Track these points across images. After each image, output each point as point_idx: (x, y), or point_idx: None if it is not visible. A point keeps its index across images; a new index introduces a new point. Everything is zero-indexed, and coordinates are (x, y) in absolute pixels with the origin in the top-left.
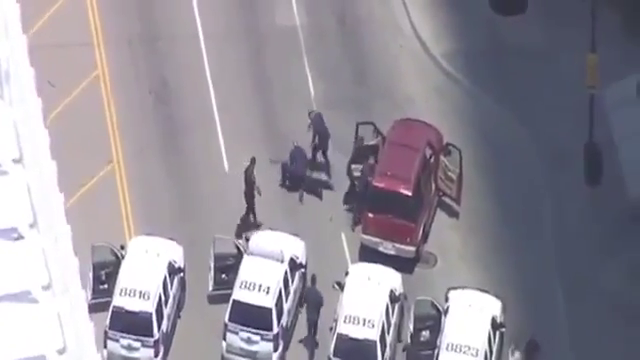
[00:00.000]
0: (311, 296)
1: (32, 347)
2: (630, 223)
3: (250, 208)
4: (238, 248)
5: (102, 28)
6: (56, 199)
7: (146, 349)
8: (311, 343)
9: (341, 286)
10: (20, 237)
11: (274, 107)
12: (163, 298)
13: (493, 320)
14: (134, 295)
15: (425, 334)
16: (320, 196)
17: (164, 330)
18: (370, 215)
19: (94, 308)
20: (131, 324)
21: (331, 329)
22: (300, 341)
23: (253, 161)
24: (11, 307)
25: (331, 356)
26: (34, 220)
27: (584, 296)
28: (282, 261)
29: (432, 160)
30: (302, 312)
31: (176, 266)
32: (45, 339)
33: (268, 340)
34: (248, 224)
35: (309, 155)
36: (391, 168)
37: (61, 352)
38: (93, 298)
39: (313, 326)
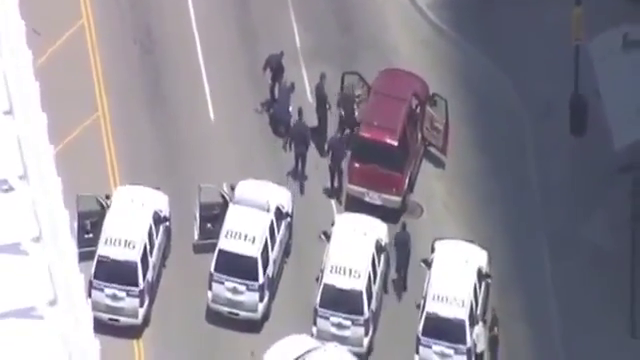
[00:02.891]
0: (296, 129)
1: (22, 299)
2: (616, 174)
3: (323, 124)
4: (224, 197)
5: None
6: (46, 151)
7: (131, 298)
8: (300, 178)
9: (327, 236)
10: (10, 189)
11: (260, 56)
12: (148, 247)
13: (479, 271)
14: (119, 244)
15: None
16: (305, 144)
17: (149, 280)
18: (356, 165)
19: (79, 257)
20: (116, 273)
21: (317, 279)
22: (288, 173)
23: (323, 76)
24: (1, 259)
25: (317, 306)
26: (24, 172)
27: (568, 246)
28: (268, 210)
29: (418, 110)
30: (287, 262)
31: (161, 215)
32: (35, 291)
33: (254, 290)
34: (323, 138)
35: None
36: (377, 118)
37: (52, 304)
38: (78, 248)
39: (301, 160)
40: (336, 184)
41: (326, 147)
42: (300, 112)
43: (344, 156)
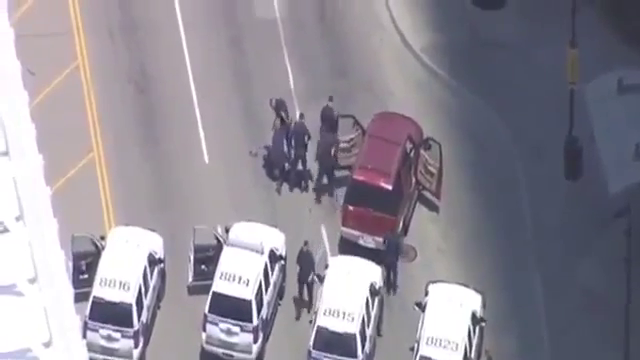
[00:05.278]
0: (296, 129)
1: (18, 340)
2: (610, 219)
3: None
4: (218, 239)
5: (82, 18)
6: (43, 192)
7: (126, 340)
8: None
9: (321, 279)
10: (6, 230)
11: (254, 99)
12: (143, 289)
13: (473, 314)
14: (114, 286)
15: None
16: (299, 188)
17: (144, 321)
18: (350, 208)
19: (74, 298)
20: (111, 314)
21: (311, 322)
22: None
23: (331, 99)
24: None
25: (311, 349)
26: (20, 213)
27: (562, 290)
28: (262, 253)
29: (412, 154)
30: (281, 304)
31: (156, 257)
32: (31, 332)
33: (248, 332)
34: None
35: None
36: (371, 161)
37: (47, 345)
38: (73, 289)
39: (301, 162)
40: (306, 297)
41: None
42: (302, 115)
43: (312, 271)
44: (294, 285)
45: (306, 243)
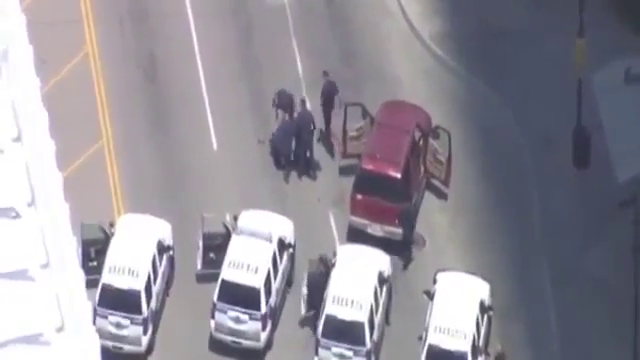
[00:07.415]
0: (301, 116)
1: (29, 326)
2: (618, 207)
3: (327, 119)
4: (227, 227)
5: (92, 5)
6: (54, 177)
7: (135, 327)
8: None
9: (329, 267)
10: (18, 216)
11: (262, 86)
12: (152, 276)
13: (481, 303)
14: (123, 273)
15: None
16: (307, 176)
17: (153, 308)
18: (359, 197)
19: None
20: (120, 301)
21: (320, 310)
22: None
23: (326, 73)
24: (8, 286)
25: (319, 337)
26: (32, 199)
27: (570, 279)
28: (270, 241)
29: (421, 142)
30: (290, 292)
31: (165, 244)
32: (43, 317)
33: (256, 320)
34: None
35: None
36: (380, 150)
37: (59, 330)
38: None
39: (308, 149)
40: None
41: (305, 282)
42: (303, 102)
43: (323, 295)
44: (302, 273)
45: (310, 263)
